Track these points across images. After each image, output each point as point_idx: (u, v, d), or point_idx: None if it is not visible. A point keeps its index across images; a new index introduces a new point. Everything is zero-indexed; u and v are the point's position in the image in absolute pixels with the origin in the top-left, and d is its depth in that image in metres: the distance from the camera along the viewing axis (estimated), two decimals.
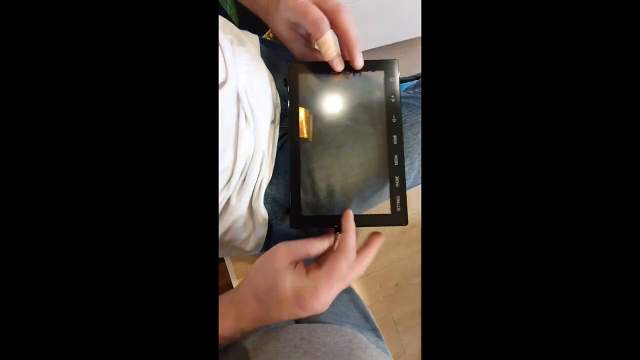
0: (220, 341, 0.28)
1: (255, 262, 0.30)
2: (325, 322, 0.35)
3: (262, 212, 0.39)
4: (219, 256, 0.46)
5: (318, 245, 0.30)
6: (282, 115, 0.42)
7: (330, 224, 0.33)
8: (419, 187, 0.47)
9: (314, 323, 0.33)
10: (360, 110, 0.37)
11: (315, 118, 0.37)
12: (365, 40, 0.97)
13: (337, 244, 0.31)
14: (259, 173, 0.38)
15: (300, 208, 0.35)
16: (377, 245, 0.31)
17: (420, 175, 0.44)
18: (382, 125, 0.36)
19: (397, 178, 0.34)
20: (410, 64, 1.18)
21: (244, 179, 0.37)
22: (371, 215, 0.34)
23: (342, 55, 0.34)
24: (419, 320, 0.96)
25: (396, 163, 0.35)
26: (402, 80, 0.96)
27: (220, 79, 0.33)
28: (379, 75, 0.37)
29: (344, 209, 0.33)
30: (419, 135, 0.41)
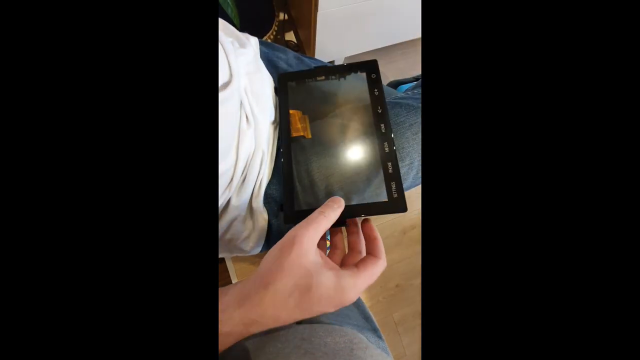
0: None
1: (266, 265, 0.25)
2: (325, 323, 0.35)
3: (262, 211, 0.39)
4: (220, 255, 0.46)
5: (330, 214, 0.27)
6: None
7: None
8: (419, 187, 0.47)
9: (315, 323, 0.33)
10: (347, 107, 0.39)
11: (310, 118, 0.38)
12: (365, 40, 0.97)
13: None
14: (259, 172, 0.38)
15: (294, 203, 0.34)
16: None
17: (420, 175, 0.44)
18: (369, 117, 0.37)
19: (389, 164, 0.34)
20: (411, 65, 1.19)
21: (244, 178, 0.37)
22: (369, 204, 0.33)
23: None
24: (419, 321, 0.96)
25: (387, 150, 0.35)
26: (402, 82, 0.97)
27: (225, 79, 0.33)
28: (361, 75, 0.40)
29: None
30: (419, 135, 0.41)
